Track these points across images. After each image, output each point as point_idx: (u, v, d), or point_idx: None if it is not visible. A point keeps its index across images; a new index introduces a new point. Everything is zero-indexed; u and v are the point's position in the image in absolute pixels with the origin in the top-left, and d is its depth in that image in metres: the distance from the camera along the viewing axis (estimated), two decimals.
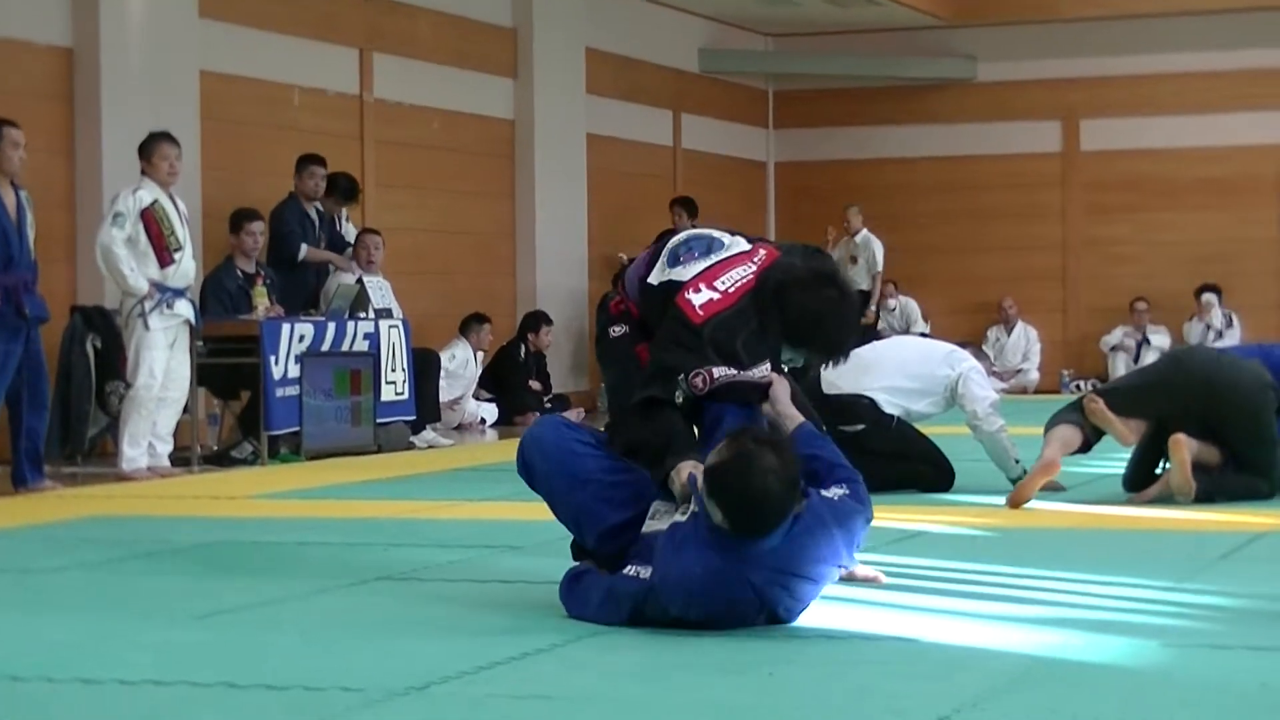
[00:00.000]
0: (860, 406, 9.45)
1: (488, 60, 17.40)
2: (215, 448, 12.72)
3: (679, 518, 5.36)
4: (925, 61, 22.48)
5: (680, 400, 5.56)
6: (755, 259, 5.75)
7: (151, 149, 11.32)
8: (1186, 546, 7.23)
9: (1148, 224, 21.92)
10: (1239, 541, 7.37)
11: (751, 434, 5.25)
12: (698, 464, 5.34)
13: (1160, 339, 20.95)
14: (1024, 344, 21.81)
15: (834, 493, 5.35)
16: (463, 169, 17.10)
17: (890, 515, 8.44)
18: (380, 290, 13.67)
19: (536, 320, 16.66)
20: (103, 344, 12.01)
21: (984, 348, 21.78)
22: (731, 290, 5.64)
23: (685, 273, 5.72)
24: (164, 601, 6.12)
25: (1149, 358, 18.81)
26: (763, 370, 5.64)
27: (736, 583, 5.17)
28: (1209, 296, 20.97)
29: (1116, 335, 21.52)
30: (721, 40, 21.90)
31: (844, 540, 5.31)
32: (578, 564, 5.69)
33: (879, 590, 6.06)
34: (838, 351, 5.79)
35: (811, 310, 5.59)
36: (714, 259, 5.74)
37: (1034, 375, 21.66)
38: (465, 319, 15.88)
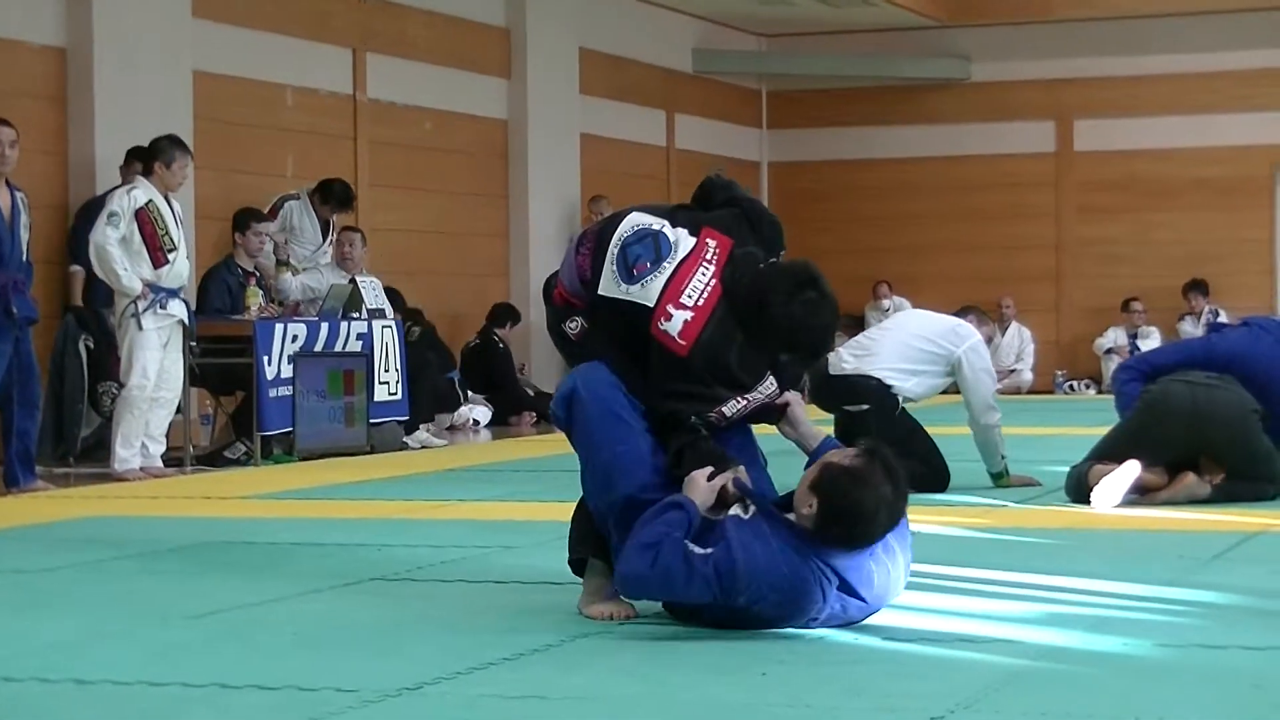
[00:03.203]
0: (866, 386, 9.48)
1: (481, 60, 17.40)
2: (207, 447, 12.71)
3: (739, 513, 5.29)
4: (919, 61, 22.49)
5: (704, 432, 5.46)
6: (708, 255, 5.50)
7: (170, 156, 11.27)
8: (1180, 546, 7.23)
9: (1141, 224, 21.95)
10: (1232, 541, 7.38)
11: (882, 457, 5.21)
12: (737, 466, 5.35)
13: (1149, 343, 20.94)
14: (1018, 344, 21.82)
15: None
16: (456, 169, 17.10)
17: None
18: (373, 290, 13.66)
19: (505, 315, 16.53)
20: (95, 344, 12.02)
21: None
22: (701, 304, 5.42)
23: (647, 295, 5.44)
24: (157, 602, 6.11)
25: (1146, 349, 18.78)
26: (769, 385, 5.53)
27: (815, 581, 5.17)
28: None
29: (1110, 337, 21.52)
30: (715, 40, 21.91)
31: (903, 566, 5.39)
32: (660, 524, 5.32)
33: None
34: (822, 353, 5.71)
35: (795, 318, 5.40)
36: (669, 268, 5.47)
37: (1028, 375, 21.67)
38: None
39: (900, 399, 9.54)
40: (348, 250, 13.79)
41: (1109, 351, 21.44)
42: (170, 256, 11.28)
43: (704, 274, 5.47)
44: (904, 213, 22.34)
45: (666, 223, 5.60)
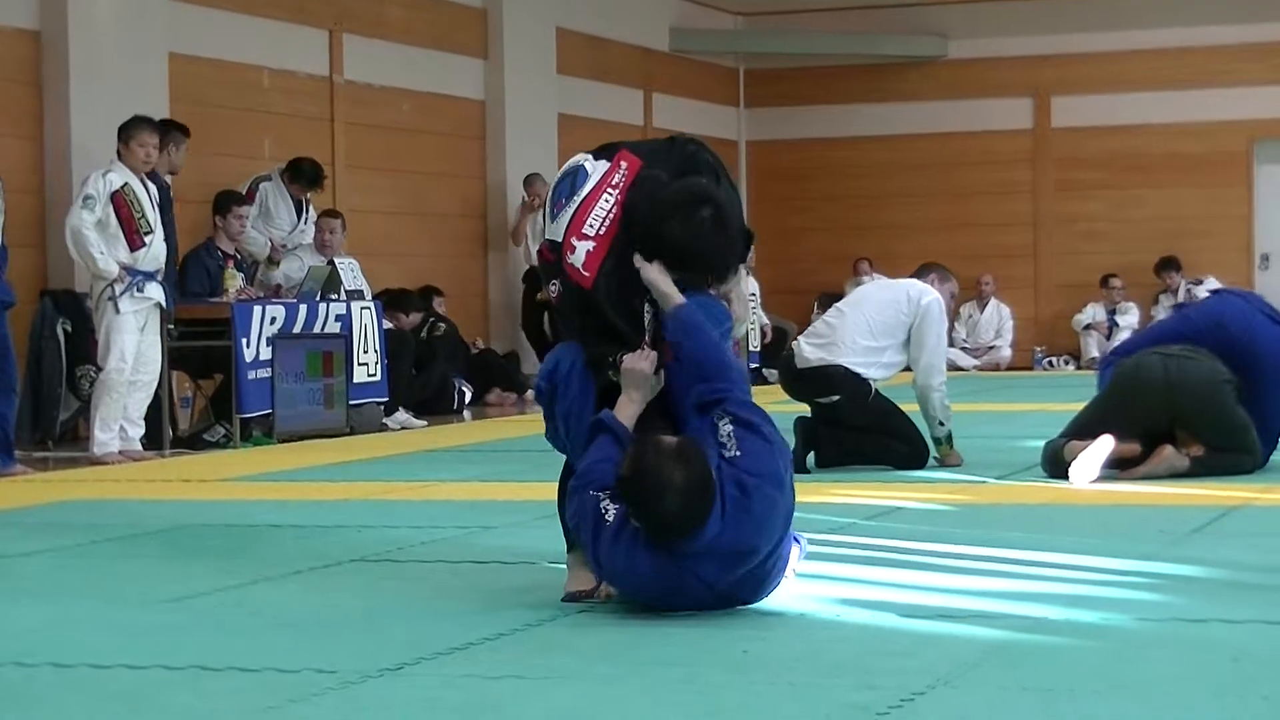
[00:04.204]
0: (835, 376, 9.42)
1: (458, 41, 17.36)
2: (186, 430, 12.68)
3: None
4: (895, 39, 22.48)
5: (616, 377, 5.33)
6: (615, 180, 5.37)
7: (130, 133, 11.28)
8: (1159, 521, 7.24)
9: (1119, 200, 21.96)
10: (1211, 515, 7.39)
11: (653, 446, 5.04)
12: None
13: (1128, 319, 20.98)
14: (997, 321, 21.85)
15: (727, 436, 5.14)
16: (434, 150, 17.07)
17: (864, 492, 8.47)
18: (351, 272, 13.64)
19: (429, 293, 16.25)
20: (73, 328, 11.99)
21: (956, 324, 21.87)
22: (603, 232, 5.29)
23: (559, 228, 5.35)
24: (136, 585, 6.11)
25: (1121, 337, 18.82)
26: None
27: (680, 576, 5.10)
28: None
29: (1088, 313, 21.55)
30: (691, 19, 21.88)
31: (775, 483, 5.13)
32: (585, 473, 5.32)
33: (852, 566, 6.06)
34: (723, 272, 5.43)
35: (688, 238, 5.24)
36: (578, 199, 5.34)
37: (1007, 352, 21.70)
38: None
39: (872, 385, 9.50)
40: (329, 237, 13.78)
41: (1088, 328, 21.48)
42: (147, 239, 11.26)
43: (607, 200, 5.36)
44: (882, 190, 22.33)
45: (590, 156, 5.52)
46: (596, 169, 5.45)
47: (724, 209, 5.35)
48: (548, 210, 5.48)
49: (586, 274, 5.28)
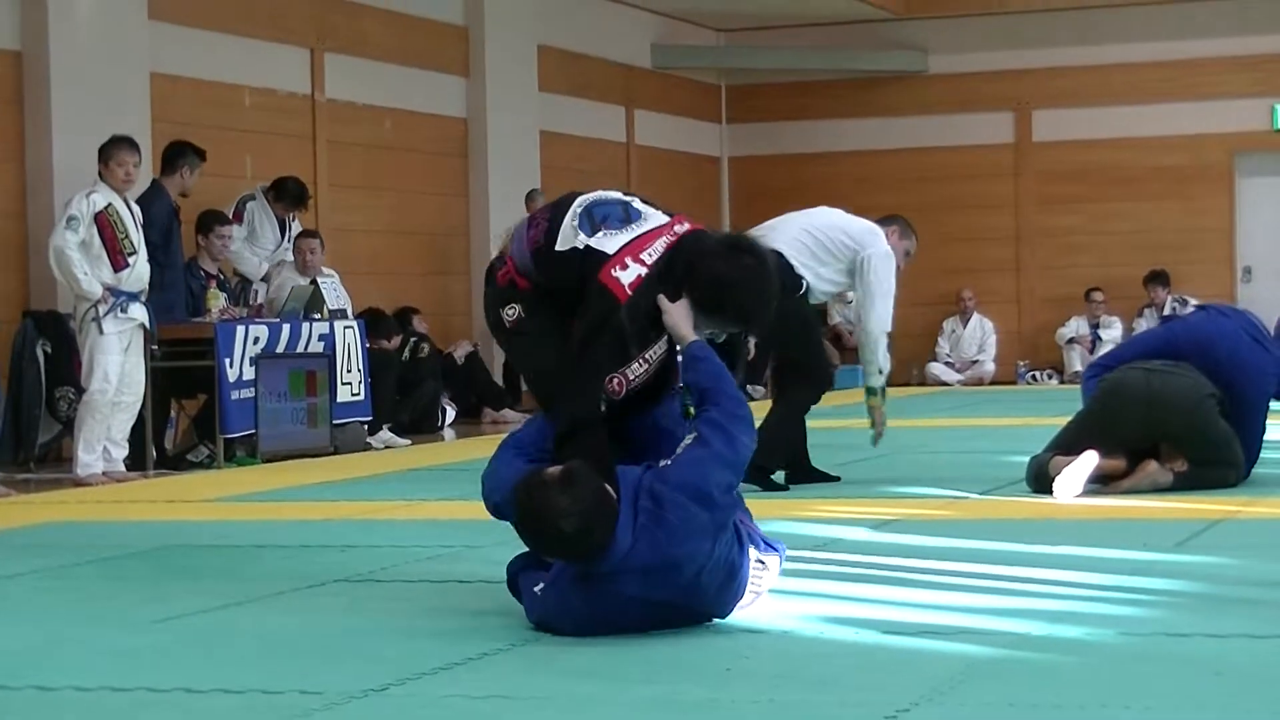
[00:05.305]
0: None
1: (439, 59, 17.37)
2: (170, 451, 12.67)
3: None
4: (876, 54, 22.52)
5: (603, 409, 5.43)
6: (676, 229, 5.55)
7: (110, 153, 11.28)
8: (1142, 535, 7.25)
9: (1100, 214, 21.99)
10: (1195, 529, 7.40)
11: (535, 480, 5.08)
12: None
13: (1112, 333, 20.99)
14: (980, 335, 21.87)
15: (683, 443, 5.20)
16: (416, 168, 17.07)
17: (848, 508, 8.47)
18: (335, 291, 13.63)
19: (406, 313, 16.22)
20: (53, 349, 11.96)
21: (940, 339, 21.89)
22: (651, 264, 5.44)
23: (607, 245, 5.48)
24: (120, 607, 6.10)
25: (1104, 349, 18.84)
26: (664, 343, 5.49)
27: (609, 597, 5.10)
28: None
29: (1071, 327, 21.57)
30: (673, 35, 21.90)
31: (696, 497, 5.10)
32: (518, 558, 5.57)
33: (835, 583, 6.06)
34: (754, 320, 5.57)
35: (724, 277, 5.40)
36: (636, 230, 5.53)
37: (990, 367, 21.71)
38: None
39: (804, 282, 9.34)
40: (310, 258, 13.78)
41: (1071, 341, 21.50)
42: (130, 260, 11.25)
43: (664, 242, 5.51)
44: (864, 205, 21.95)
45: (636, 198, 5.68)
46: (651, 213, 5.61)
47: (767, 261, 5.51)
48: (579, 221, 5.55)
49: (628, 292, 5.40)
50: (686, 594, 5.14)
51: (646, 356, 5.46)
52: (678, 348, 5.49)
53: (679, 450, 5.22)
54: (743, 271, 5.43)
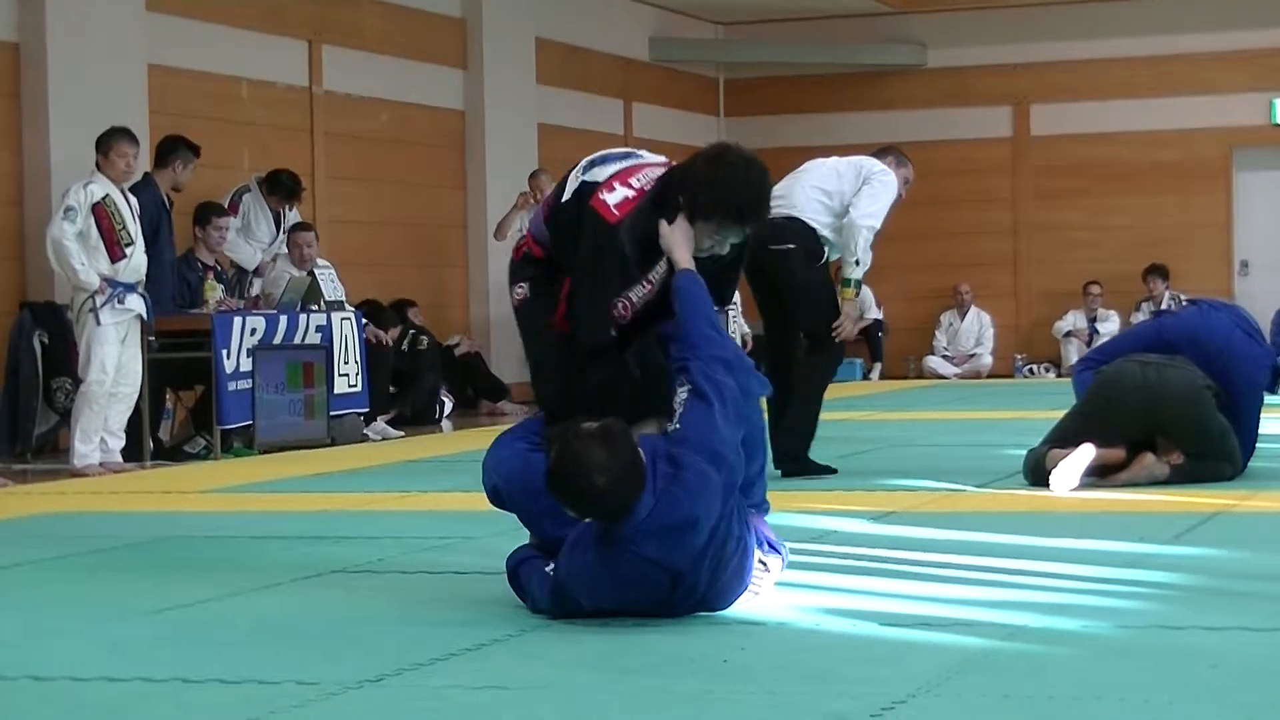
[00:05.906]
0: (791, 227, 9.53)
1: (437, 51, 17.37)
2: (167, 441, 12.67)
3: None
4: (875, 48, 22.52)
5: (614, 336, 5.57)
6: (670, 165, 5.77)
7: (109, 145, 11.28)
8: (1139, 528, 7.25)
9: (1098, 208, 22.00)
10: (1191, 523, 7.40)
11: (574, 432, 5.12)
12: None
13: (1109, 326, 21.00)
14: (977, 329, 21.89)
15: (679, 404, 5.25)
16: (413, 161, 17.07)
17: (844, 501, 8.47)
18: (331, 283, 13.63)
19: (403, 305, 16.27)
20: (50, 340, 11.96)
21: (937, 333, 21.90)
22: (646, 186, 5.63)
23: (600, 174, 5.69)
24: (117, 597, 6.09)
25: (1100, 343, 18.83)
26: (664, 265, 5.60)
27: (628, 561, 5.11)
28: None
29: (1069, 321, 21.59)
30: (671, 29, 21.90)
31: (710, 457, 5.17)
32: (520, 549, 5.63)
33: (831, 575, 6.06)
34: (749, 211, 5.63)
35: (714, 174, 5.56)
36: (630, 162, 5.74)
37: (987, 360, 21.73)
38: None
39: (825, 248, 9.62)
40: (306, 251, 13.77)
41: (1068, 335, 21.53)
42: (127, 251, 11.25)
43: (655, 172, 5.71)
44: None
45: (644, 151, 5.93)
46: (651, 156, 5.83)
47: (755, 160, 5.67)
48: (582, 167, 5.76)
49: (616, 213, 5.56)
50: (698, 562, 5.15)
51: (649, 278, 5.59)
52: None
53: (677, 408, 5.26)
54: (731, 168, 5.60)
